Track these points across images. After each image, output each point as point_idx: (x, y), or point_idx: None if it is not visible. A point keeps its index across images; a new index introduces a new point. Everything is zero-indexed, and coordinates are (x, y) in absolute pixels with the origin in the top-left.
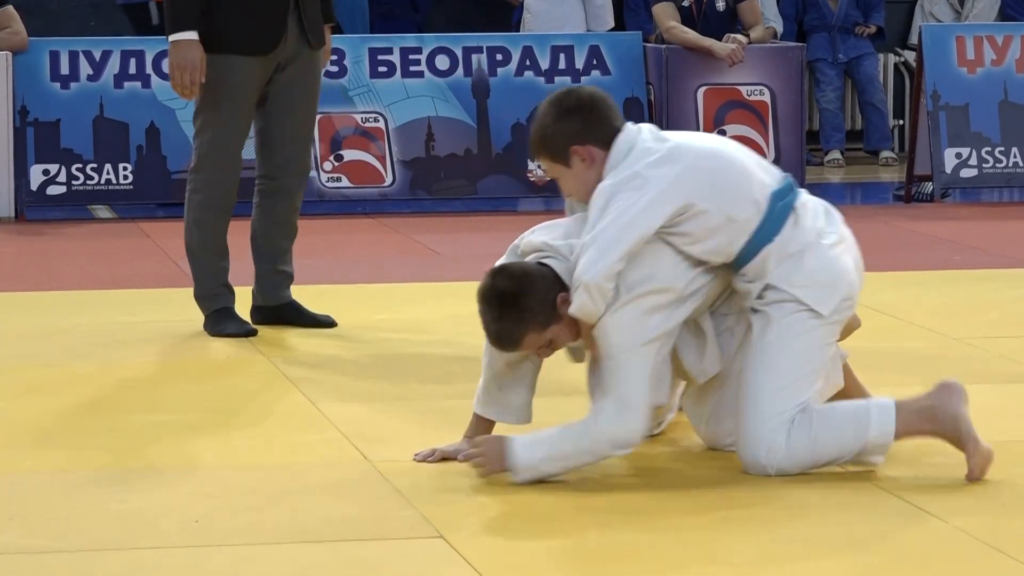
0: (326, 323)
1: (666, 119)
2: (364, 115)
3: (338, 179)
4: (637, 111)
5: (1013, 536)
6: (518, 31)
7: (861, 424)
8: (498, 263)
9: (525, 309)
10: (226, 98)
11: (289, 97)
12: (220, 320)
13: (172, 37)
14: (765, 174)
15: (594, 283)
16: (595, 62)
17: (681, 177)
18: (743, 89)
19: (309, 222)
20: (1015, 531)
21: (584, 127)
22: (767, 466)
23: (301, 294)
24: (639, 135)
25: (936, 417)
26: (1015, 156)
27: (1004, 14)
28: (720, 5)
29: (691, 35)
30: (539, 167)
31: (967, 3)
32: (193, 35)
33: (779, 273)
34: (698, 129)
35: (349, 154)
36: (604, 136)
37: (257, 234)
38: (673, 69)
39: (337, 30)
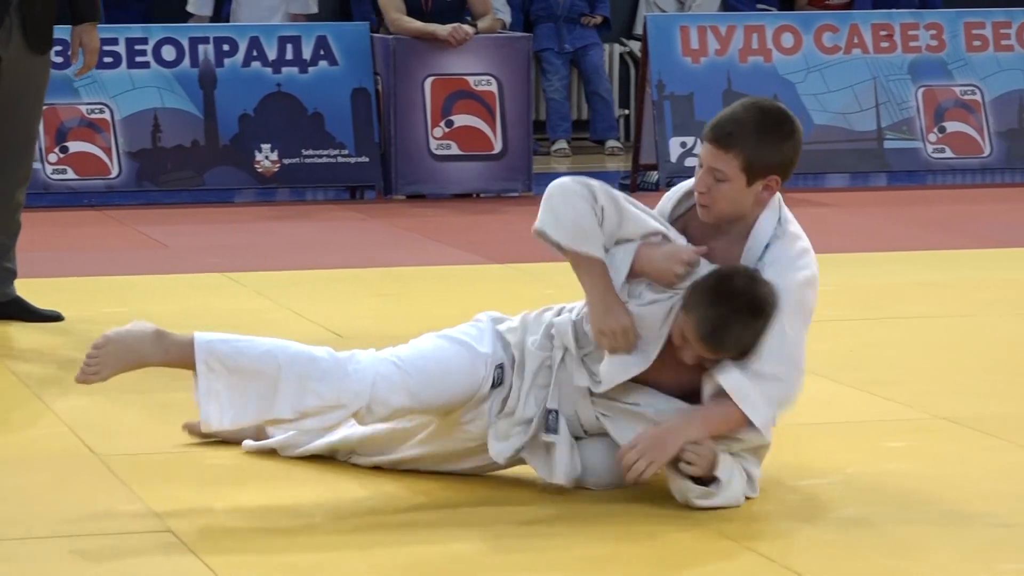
0: (52, 317)
1: (394, 109)
2: (89, 106)
3: (63, 171)
4: (365, 102)
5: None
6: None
7: None
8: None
9: (769, 318)
10: None
11: (10, 100)
12: None
13: None
14: None
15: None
16: (322, 53)
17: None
18: (470, 79)
19: (34, 215)
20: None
21: (792, 163)
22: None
23: (26, 288)
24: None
25: None
26: None
27: (727, 4)
28: None
29: (415, 24)
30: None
31: None
32: None
33: None
34: (425, 119)
35: (74, 146)
36: (785, 179)
37: None
38: (400, 59)
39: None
